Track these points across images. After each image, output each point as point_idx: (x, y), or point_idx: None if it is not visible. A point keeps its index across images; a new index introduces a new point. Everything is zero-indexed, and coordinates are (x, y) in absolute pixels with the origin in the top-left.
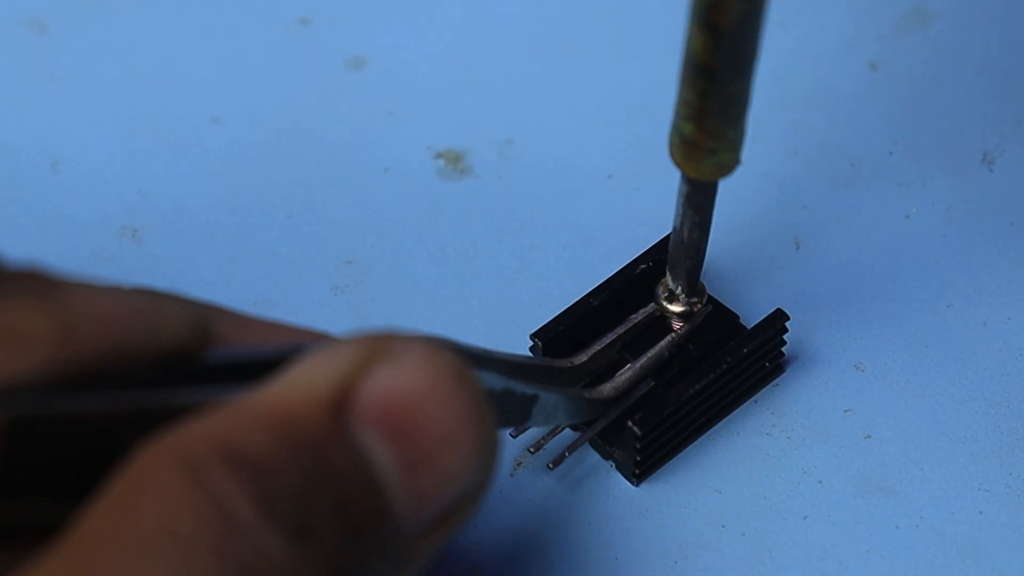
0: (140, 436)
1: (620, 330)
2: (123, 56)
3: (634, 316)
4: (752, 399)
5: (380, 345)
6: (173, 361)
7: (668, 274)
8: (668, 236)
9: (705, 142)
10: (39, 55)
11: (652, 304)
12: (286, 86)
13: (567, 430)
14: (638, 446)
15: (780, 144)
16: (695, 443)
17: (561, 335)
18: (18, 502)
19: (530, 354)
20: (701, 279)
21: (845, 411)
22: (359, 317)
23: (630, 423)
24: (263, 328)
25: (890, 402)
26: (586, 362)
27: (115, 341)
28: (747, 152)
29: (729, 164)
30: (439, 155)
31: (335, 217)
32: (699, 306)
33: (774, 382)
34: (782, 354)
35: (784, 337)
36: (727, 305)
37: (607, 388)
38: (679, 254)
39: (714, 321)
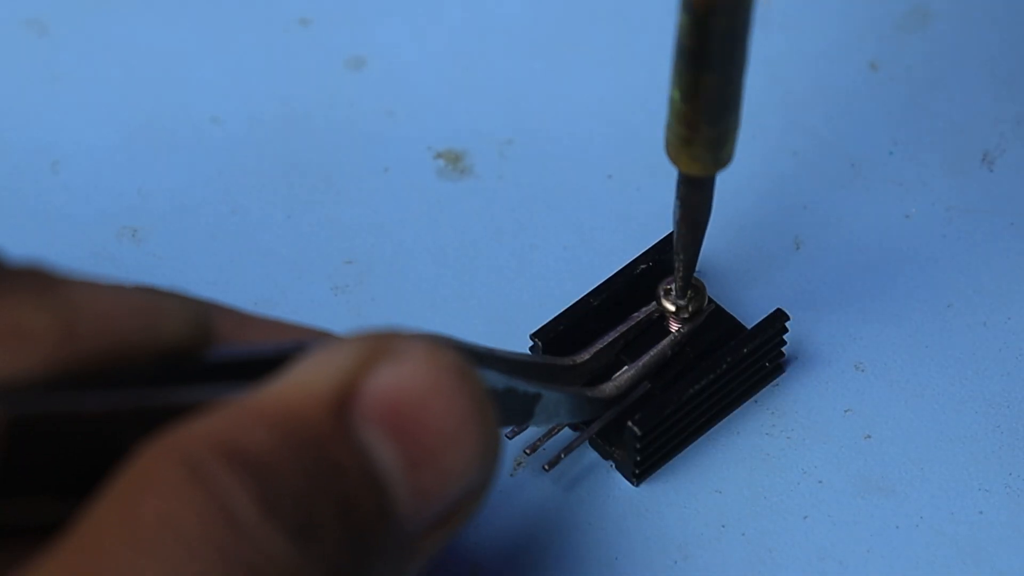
0: (142, 435)
1: (622, 328)
2: (123, 56)
3: (636, 315)
4: (752, 399)
5: (382, 343)
6: (174, 359)
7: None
8: (669, 236)
9: (696, 134)
10: (39, 55)
11: (653, 303)
12: (286, 86)
13: (564, 431)
14: (638, 446)
15: (780, 144)
16: (695, 443)
17: (561, 335)
18: (19, 501)
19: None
20: (702, 279)
21: (845, 411)
22: (359, 317)
23: (630, 423)
24: (265, 326)
25: (890, 402)
26: (588, 360)
27: (116, 339)
28: (747, 152)
29: (723, 159)
30: (439, 155)
31: (335, 217)
32: (697, 305)
33: (774, 382)
34: (782, 354)
35: (784, 337)
36: (727, 305)
37: (609, 387)
38: (678, 251)
39: (714, 321)
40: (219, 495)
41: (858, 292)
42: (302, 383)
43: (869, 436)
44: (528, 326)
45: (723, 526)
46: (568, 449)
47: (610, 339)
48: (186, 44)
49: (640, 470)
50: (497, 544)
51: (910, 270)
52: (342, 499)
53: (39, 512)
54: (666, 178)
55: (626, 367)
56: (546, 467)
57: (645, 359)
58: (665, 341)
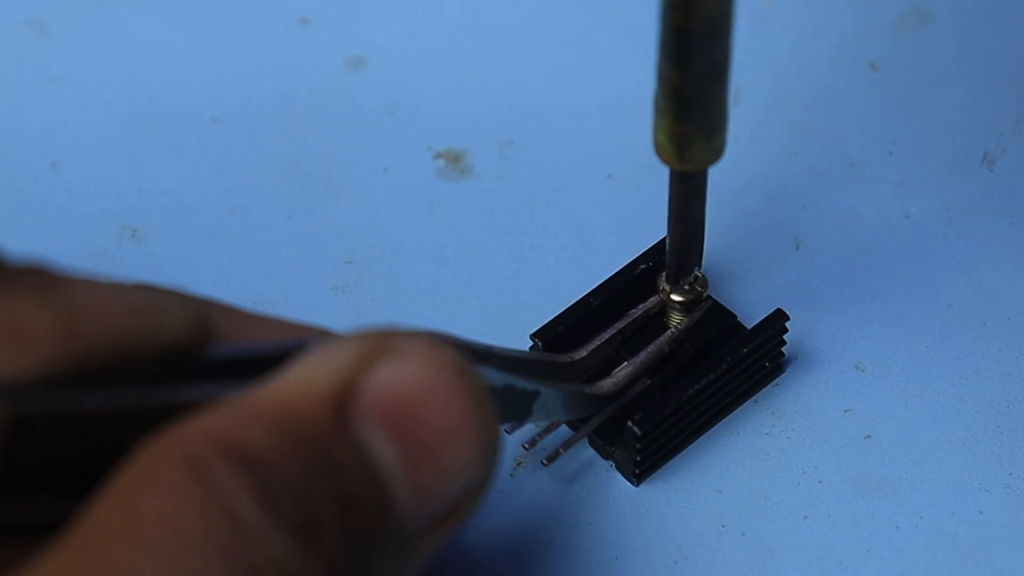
0: (142, 433)
1: (620, 325)
2: (123, 56)
3: (634, 311)
4: (752, 399)
5: (382, 341)
6: (175, 357)
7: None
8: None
9: (682, 125)
10: (39, 55)
11: (652, 298)
12: (286, 86)
13: (563, 427)
14: (638, 446)
15: (780, 144)
16: (695, 443)
17: (561, 335)
18: (19, 500)
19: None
20: (703, 273)
21: (845, 411)
22: (359, 317)
23: (630, 423)
24: (265, 324)
25: (890, 402)
26: (586, 357)
27: (117, 337)
28: (747, 152)
29: (709, 153)
30: (439, 155)
31: (335, 217)
32: (697, 294)
33: (774, 382)
34: (782, 354)
35: (784, 337)
36: (727, 305)
37: (607, 384)
38: (676, 243)
39: (714, 321)
40: (219, 493)
41: (858, 292)
42: (302, 381)
43: (869, 436)
44: (528, 326)
45: (723, 526)
46: (567, 444)
47: (608, 336)
48: (186, 44)
49: (640, 470)
50: (497, 543)
51: (910, 270)
52: (342, 497)
53: (40, 511)
54: (666, 178)
55: (624, 363)
56: (545, 462)
57: (643, 355)
58: (663, 337)
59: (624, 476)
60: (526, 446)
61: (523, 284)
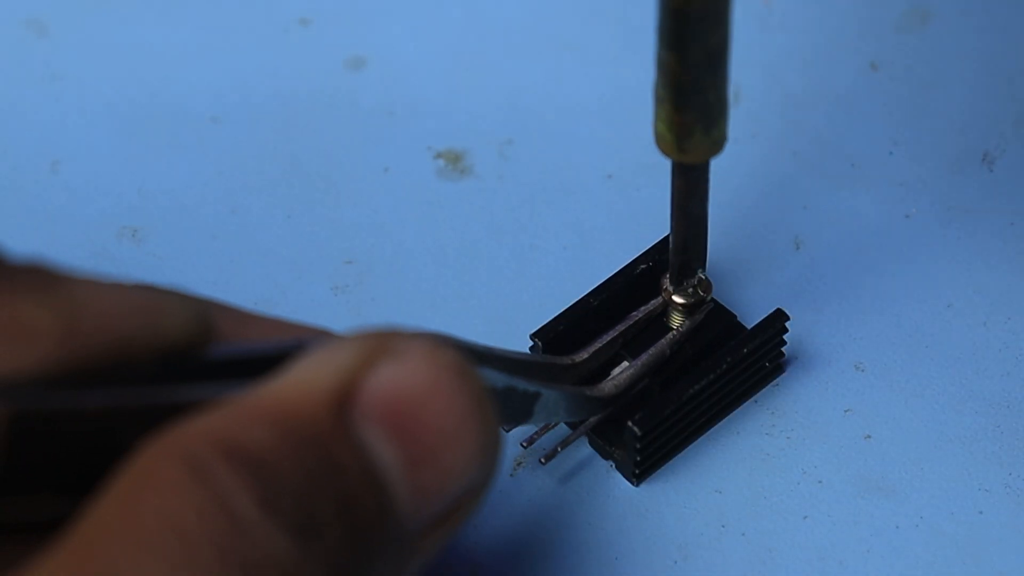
0: (143, 433)
1: (622, 327)
2: (123, 56)
3: (636, 312)
4: (752, 399)
5: (383, 342)
6: (175, 357)
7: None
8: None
9: (680, 113)
10: (39, 55)
11: (655, 299)
12: (286, 86)
13: (561, 425)
14: (638, 446)
15: (780, 144)
16: (695, 443)
17: (561, 335)
18: (19, 499)
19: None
20: (707, 276)
21: (845, 411)
22: (359, 317)
23: (630, 423)
24: (265, 324)
25: (890, 402)
26: (587, 359)
27: (117, 337)
28: (747, 152)
29: (708, 145)
30: (439, 155)
31: (335, 217)
32: (702, 296)
33: (774, 382)
34: (782, 354)
35: (784, 337)
36: (727, 304)
37: (609, 385)
38: (678, 241)
39: (714, 321)
40: (219, 493)
41: (858, 292)
42: (302, 381)
43: (869, 436)
44: (528, 326)
45: (723, 526)
46: (565, 443)
47: (609, 338)
48: (186, 44)
49: (640, 470)
50: (497, 544)
51: (910, 270)
52: (342, 498)
53: (40, 510)
54: (666, 178)
55: (625, 365)
56: (543, 460)
57: (644, 357)
58: (664, 339)
59: (624, 476)
60: (524, 444)
61: (523, 284)
